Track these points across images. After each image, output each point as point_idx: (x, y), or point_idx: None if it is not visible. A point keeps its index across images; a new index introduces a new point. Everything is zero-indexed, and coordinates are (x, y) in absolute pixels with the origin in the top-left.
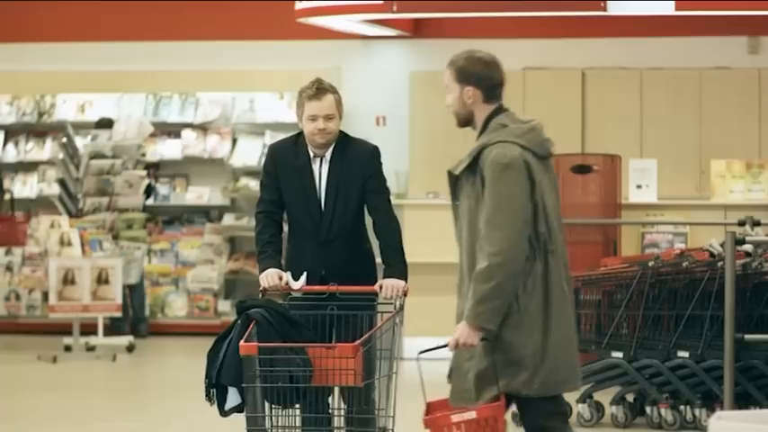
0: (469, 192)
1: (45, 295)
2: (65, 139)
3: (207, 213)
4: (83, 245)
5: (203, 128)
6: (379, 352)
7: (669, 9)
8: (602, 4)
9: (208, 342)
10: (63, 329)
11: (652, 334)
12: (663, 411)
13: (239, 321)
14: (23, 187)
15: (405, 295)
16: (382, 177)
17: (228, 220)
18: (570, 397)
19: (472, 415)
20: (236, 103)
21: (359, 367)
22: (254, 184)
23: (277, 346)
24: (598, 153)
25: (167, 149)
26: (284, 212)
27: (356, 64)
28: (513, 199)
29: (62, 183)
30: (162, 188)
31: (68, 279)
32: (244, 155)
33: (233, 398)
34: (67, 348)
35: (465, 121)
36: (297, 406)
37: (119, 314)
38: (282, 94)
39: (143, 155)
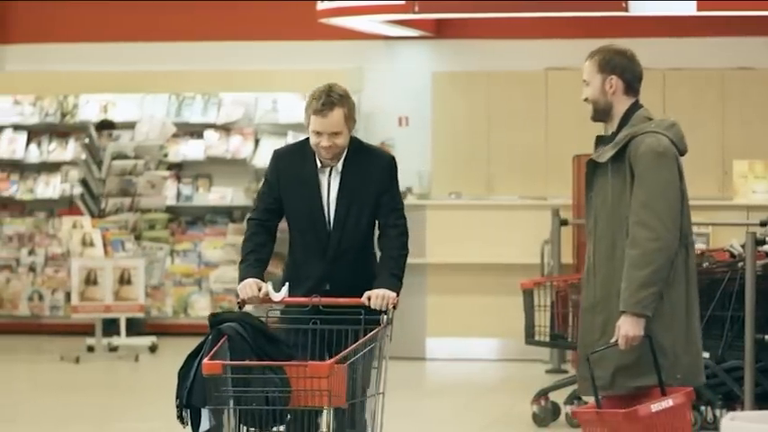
0: (613, 181)
1: (68, 296)
2: (87, 140)
3: (230, 214)
4: (105, 245)
5: (226, 128)
6: (371, 369)
7: (691, 9)
8: (624, 5)
9: None
10: (86, 330)
11: None
12: None
13: (209, 337)
14: (46, 188)
15: (394, 308)
16: (397, 192)
17: None
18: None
19: (669, 403)
20: (258, 103)
21: (336, 387)
22: None
23: (244, 365)
24: None
25: (190, 150)
26: (280, 222)
27: (379, 64)
28: (669, 185)
29: (84, 183)
30: (185, 188)
31: (91, 279)
32: (266, 155)
33: (206, 420)
34: (90, 349)
35: (603, 112)
36: (276, 429)
37: (141, 315)
38: (305, 95)
39: (165, 155)
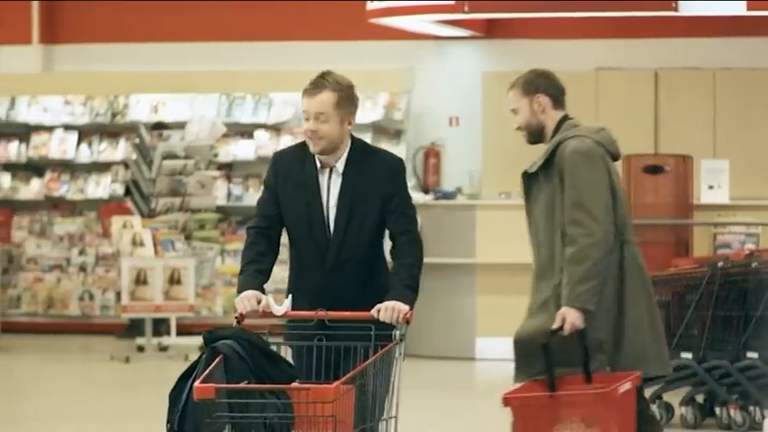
0: (546, 189)
1: (118, 295)
2: (138, 140)
3: None
4: (155, 245)
5: (276, 128)
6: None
7: (740, 9)
8: (674, 5)
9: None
10: (136, 330)
11: (721, 335)
12: (732, 412)
13: (204, 356)
14: (97, 188)
15: (407, 323)
16: (406, 196)
17: None
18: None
19: (628, 386)
20: None
21: (344, 413)
22: None
23: (239, 388)
24: (670, 154)
25: (240, 150)
26: (283, 230)
27: (429, 64)
28: (598, 184)
29: (135, 183)
30: (235, 188)
31: (141, 279)
32: None
33: None
34: (140, 349)
35: (537, 133)
36: None
37: (191, 314)
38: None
39: (215, 155)
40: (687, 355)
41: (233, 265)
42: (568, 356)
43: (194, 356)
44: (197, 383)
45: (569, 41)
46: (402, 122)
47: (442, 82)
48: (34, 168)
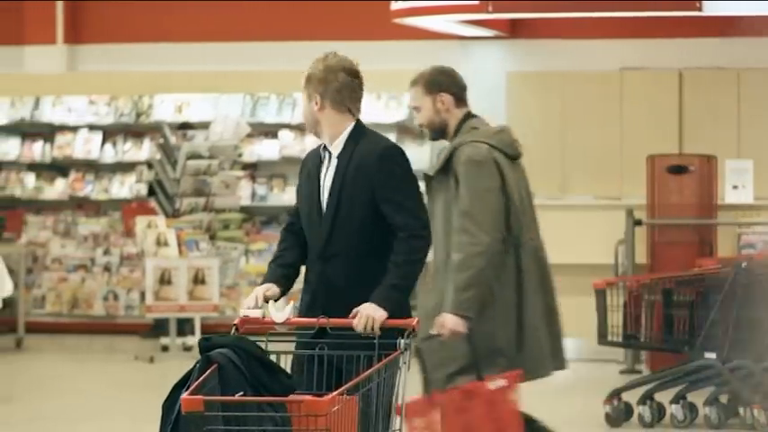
0: (444, 191)
1: (142, 295)
2: (162, 140)
3: None
4: (179, 245)
5: (301, 128)
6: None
7: (765, 9)
8: (698, 5)
9: None
10: (160, 330)
11: (745, 335)
12: (756, 413)
13: (197, 365)
14: (121, 187)
15: (413, 331)
16: (404, 188)
17: None
18: (664, 397)
19: (502, 382)
20: None
21: (345, 425)
22: None
23: (228, 400)
24: (694, 154)
25: (265, 150)
26: None
27: (453, 64)
28: (488, 192)
29: (159, 183)
30: (259, 188)
31: (165, 279)
32: None
33: None
34: (164, 348)
35: (439, 131)
36: None
37: (215, 314)
38: (379, 95)
39: (240, 155)
40: (711, 356)
41: (257, 264)
42: (471, 362)
43: None
44: (184, 395)
45: (593, 41)
46: None
47: (466, 82)
48: (59, 168)
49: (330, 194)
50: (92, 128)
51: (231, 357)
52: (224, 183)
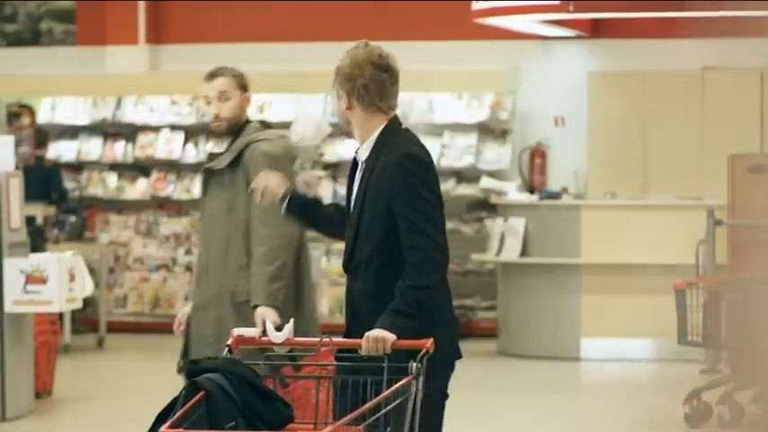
0: (230, 187)
1: None
2: None
3: None
4: None
5: None
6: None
7: None
8: None
9: None
10: None
11: None
12: None
13: (183, 392)
14: None
15: (426, 353)
16: (414, 201)
17: None
18: (743, 397)
19: None
20: (414, 103)
21: None
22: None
23: None
24: None
25: (346, 150)
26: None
27: (534, 64)
28: None
29: None
30: (341, 188)
31: None
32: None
33: None
34: None
35: (234, 126)
36: None
37: None
38: (461, 95)
39: (321, 155)
40: None
41: (338, 264)
42: None
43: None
44: (163, 428)
45: (675, 41)
46: (508, 122)
47: (547, 82)
48: (140, 168)
49: (354, 204)
50: (173, 128)
51: (221, 383)
52: (305, 182)
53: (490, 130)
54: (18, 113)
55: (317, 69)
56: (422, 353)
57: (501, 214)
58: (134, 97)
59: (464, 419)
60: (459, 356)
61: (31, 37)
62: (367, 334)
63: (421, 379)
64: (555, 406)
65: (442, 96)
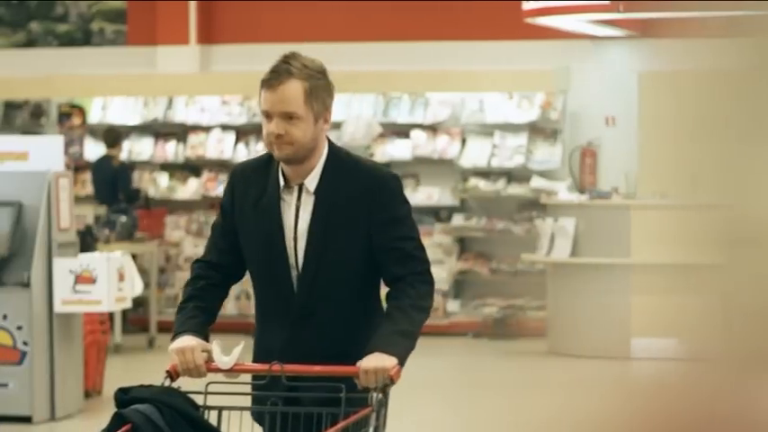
0: None
1: None
2: None
3: (436, 213)
4: None
5: (433, 128)
6: None
7: None
8: None
9: (436, 342)
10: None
11: None
12: None
13: (108, 426)
14: None
15: (391, 382)
16: (406, 225)
17: (458, 220)
18: None
19: None
20: (465, 103)
21: None
22: (483, 185)
23: None
24: None
25: (397, 150)
26: (238, 267)
27: (585, 64)
28: None
29: None
30: None
31: None
32: (473, 155)
33: None
34: None
35: None
36: None
37: None
38: (512, 95)
39: (371, 155)
40: None
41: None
42: None
43: None
44: None
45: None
46: (558, 122)
47: (598, 82)
48: (191, 168)
49: (309, 241)
50: (224, 128)
51: (151, 416)
52: None
53: (541, 130)
54: (69, 113)
55: (367, 69)
56: (385, 383)
57: (551, 214)
58: (185, 97)
59: (513, 417)
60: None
61: (83, 37)
62: (366, 364)
63: (383, 411)
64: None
65: (492, 96)
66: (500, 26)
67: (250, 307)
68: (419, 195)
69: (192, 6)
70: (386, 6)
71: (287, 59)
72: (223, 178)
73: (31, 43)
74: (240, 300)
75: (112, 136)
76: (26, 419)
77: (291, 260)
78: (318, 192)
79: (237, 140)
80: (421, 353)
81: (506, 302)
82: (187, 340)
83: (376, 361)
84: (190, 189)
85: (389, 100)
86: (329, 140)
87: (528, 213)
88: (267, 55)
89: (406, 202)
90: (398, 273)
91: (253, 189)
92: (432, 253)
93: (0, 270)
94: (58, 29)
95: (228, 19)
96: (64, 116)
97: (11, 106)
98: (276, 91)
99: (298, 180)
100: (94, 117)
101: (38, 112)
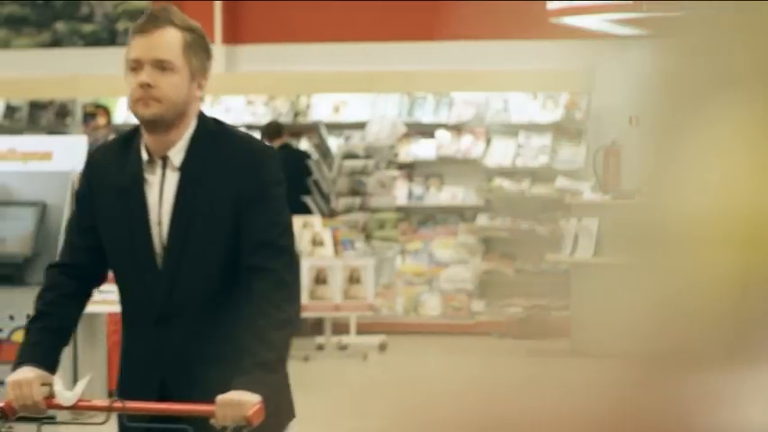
0: None
1: None
2: (318, 140)
3: (461, 213)
4: (335, 244)
5: (457, 128)
6: None
7: None
8: None
9: (461, 341)
10: (315, 329)
11: None
12: None
13: None
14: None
15: (248, 424)
16: (274, 207)
17: (482, 220)
18: None
19: None
20: (489, 103)
21: None
22: (507, 185)
23: None
24: None
25: (421, 150)
26: (98, 267)
27: (610, 64)
28: None
29: (315, 183)
30: (416, 188)
31: (320, 279)
32: (498, 155)
33: None
34: (320, 347)
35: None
36: None
37: (370, 313)
38: (536, 95)
39: (395, 155)
40: None
41: (413, 264)
42: None
43: (373, 355)
44: None
45: None
46: (582, 122)
47: (622, 81)
48: None
49: (172, 225)
50: (250, 128)
51: None
52: (380, 182)
53: (565, 131)
54: (94, 113)
55: (393, 69)
56: (241, 425)
57: (575, 214)
58: (210, 97)
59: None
60: (294, 416)
61: (108, 37)
62: (223, 400)
63: None
64: None
65: (517, 96)
66: (524, 26)
67: None
68: (444, 195)
69: (218, 6)
70: (411, 6)
71: (164, 8)
72: None
73: (56, 43)
74: None
75: (273, 129)
76: (50, 419)
77: (157, 248)
78: (184, 167)
79: (262, 139)
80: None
81: (530, 302)
82: (26, 372)
83: (235, 398)
84: None
85: (414, 100)
86: (201, 112)
87: (552, 213)
88: (293, 55)
89: (280, 182)
90: (252, 262)
91: (112, 172)
92: (456, 253)
93: (23, 270)
94: (83, 29)
95: (254, 19)
96: (89, 116)
97: (36, 106)
98: (152, 35)
99: (161, 153)
100: (119, 117)
101: (63, 112)
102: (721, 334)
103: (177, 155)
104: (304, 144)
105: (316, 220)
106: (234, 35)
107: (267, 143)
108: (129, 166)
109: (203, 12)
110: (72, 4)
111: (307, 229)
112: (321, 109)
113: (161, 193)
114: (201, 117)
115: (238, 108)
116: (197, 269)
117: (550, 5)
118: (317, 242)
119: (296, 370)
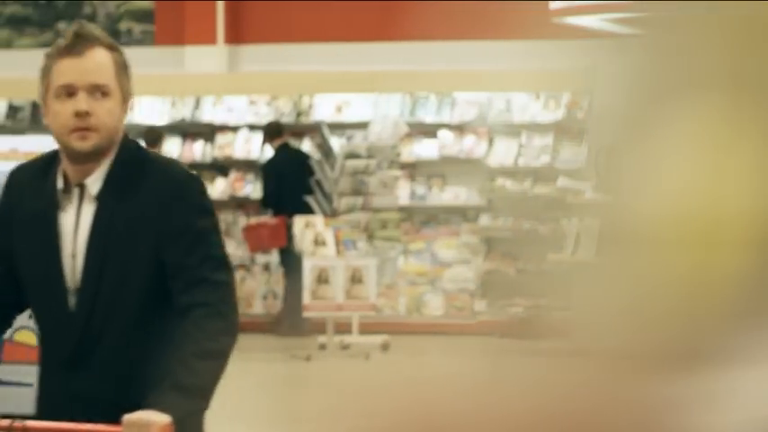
0: None
1: None
2: (320, 140)
3: (463, 213)
4: (337, 244)
5: (460, 128)
6: None
7: None
8: None
9: (464, 341)
10: (317, 328)
11: None
12: None
13: None
14: None
15: None
16: (206, 240)
17: (485, 220)
18: None
19: None
20: (492, 103)
21: None
22: (510, 184)
23: None
24: None
25: (424, 150)
26: (15, 296)
27: (610, 64)
28: None
29: (318, 183)
30: (418, 188)
31: (322, 278)
32: (500, 155)
33: None
34: (322, 347)
35: None
36: None
37: (372, 313)
38: (538, 95)
39: (398, 155)
40: None
41: (415, 264)
42: None
43: (375, 355)
44: None
45: None
46: (584, 122)
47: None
48: (219, 168)
49: (87, 260)
50: (252, 128)
51: None
52: (382, 182)
53: (567, 131)
54: None
55: (394, 69)
56: None
57: (576, 214)
58: (213, 97)
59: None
60: None
61: (111, 37)
62: (130, 419)
63: None
64: None
65: (519, 96)
66: (526, 26)
67: (276, 306)
68: (446, 195)
69: (220, 6)
70: (413, 6)
71: (85, 25)
72: (251, 178)
73: None
74: (267, 299)
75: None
76: None
77: (69, 282)
78: (101, 196)
79: (265, 140)
80: (449, 352)
81: (532, 302)
82: None
83: (141, 419)
84: (217, 189)
85: (416, 100)
86: (125, 135)
87: (554, 213)
88: (295, 55)
89: (209, 212)
90: (185, 302)
91: (28, 197)
92: (459, 253)
93: None
94: None
95: (256, 19)
96: None
97: (38, 106)
98: (84, 57)
99: (78, 180)
100: None
101: None
102: (681, 337)
103: (95, 184)
104: (306, 144)
105: (318, 219)
106: (236, 35)
107: (267, 143)
108: (45, 191)
109: (206, 12)
110: (74, 4)
111: (309, 229)
112: (323, 109)
113: (77, 224)
114: (124, 143)
115: (241, 108)
116: (113, 306)
117: (553, 5)
118: (319, 242)
119: (298, 369)
